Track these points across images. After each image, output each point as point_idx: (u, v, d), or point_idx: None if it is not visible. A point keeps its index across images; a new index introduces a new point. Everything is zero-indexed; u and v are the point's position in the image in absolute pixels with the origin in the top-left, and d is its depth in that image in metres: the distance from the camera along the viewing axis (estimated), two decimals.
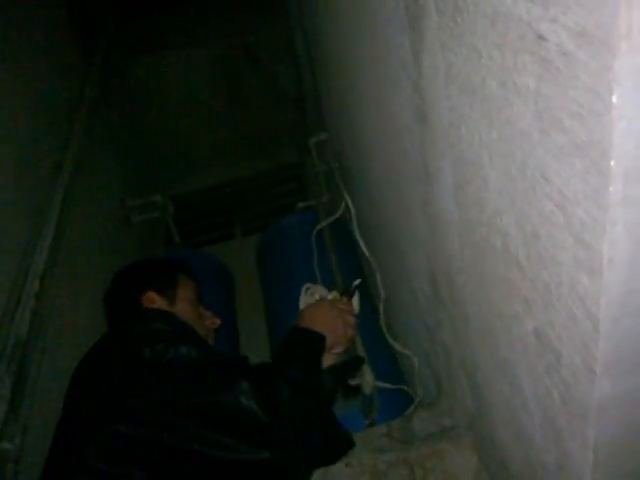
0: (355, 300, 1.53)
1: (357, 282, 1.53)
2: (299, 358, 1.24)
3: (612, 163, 0.48)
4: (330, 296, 1.53)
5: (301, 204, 2.61)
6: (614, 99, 0.45)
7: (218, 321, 1.49)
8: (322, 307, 1.40)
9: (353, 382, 1.53)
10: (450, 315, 1.17)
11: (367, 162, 1.63)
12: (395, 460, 1.26)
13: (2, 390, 1.18)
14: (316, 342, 1.29)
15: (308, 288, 1.66)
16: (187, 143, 3.46)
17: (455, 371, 1.25)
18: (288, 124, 3.56)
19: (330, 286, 1.68)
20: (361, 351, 1.53)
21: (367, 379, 1.48)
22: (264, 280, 2.25)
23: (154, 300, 1.37)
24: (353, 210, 1.80)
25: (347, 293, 1.55)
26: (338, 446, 1.25)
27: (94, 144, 2.30)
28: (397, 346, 1.57)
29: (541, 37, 0.52)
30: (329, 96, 2.26)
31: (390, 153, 1.31)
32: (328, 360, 1.35)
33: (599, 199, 0.51)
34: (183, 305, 1.39)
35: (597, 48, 0.45)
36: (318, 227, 1.94)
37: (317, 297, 1.60)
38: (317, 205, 2.32)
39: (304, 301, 1.62)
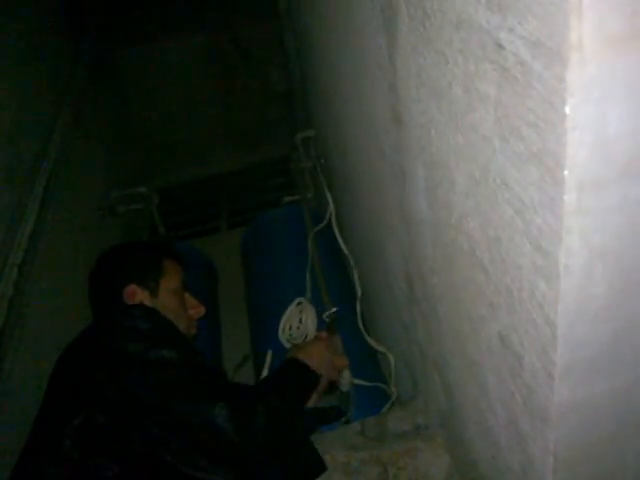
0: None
1: (334, 310, 1.55)
2: (288, 389, 1.24)
3: (565, 172, 0.49)
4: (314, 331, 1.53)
5: (286, 198, 2.61)
6: (567, 110, 0.46)
7: (202, 310, 1.46)
8: (320, 348, 1.39)
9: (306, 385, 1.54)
10: (424, 314, 1.17)
11: (349, 160, 1.63)
12: (368, 458, 1.27)
13: None
14: (310, 380, 1.30)
15: (300, 303, 1.68)
16: (174, 135, 3.45)
17: (429, 370, 1.25)
18: (277, 119, 3.55)
19: (318, 309, 1.69)
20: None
21: (344, 375, 1.48)
22: (247, 273, 2.25)
23: (135, 293, 1.34)
24: (332, 207, 1.81)
25: (331, 327, 1.55)
26: (310, 470, 1.24)
27: (80, 133, 2.28)
28: (373, 343, 1.57)
29: (500, 46, 0.52)
30: (315, 93, 2.26)
31: (370, 152, 1.32)
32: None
33: (554, 207, 0.52)
34: (166, 296, 1.37)
35: (550, 59, 0.46)
36: (315, 229, 1.94)
37: (302, 317, 1.63)
38: (302, 200, 2.32)
39: (290, 311, 1.64)
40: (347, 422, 1.49)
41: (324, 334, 1.49)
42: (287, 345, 1.65)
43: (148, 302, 1.33)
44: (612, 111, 0.46)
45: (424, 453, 1.26)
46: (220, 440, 1.04)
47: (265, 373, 1.51)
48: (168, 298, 1.37)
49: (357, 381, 1.52)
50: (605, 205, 0.50)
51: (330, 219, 1.81)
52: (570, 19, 0.42)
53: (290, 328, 1.67)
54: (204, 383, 1.13)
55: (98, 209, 2.36)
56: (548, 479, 0.71)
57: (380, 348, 1.54)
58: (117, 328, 1.19)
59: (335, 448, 1.28)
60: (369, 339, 1.57)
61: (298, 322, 1.67)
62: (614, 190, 0.50)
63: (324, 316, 1.57)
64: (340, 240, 1.72)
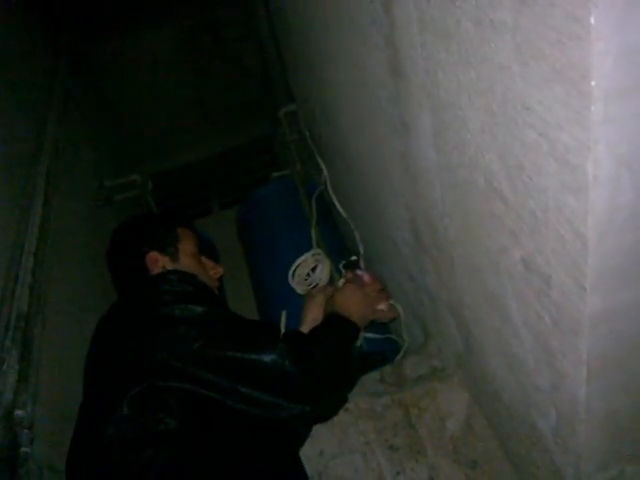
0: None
1: (354, 258, 1.55)
2: (333, 341, 1.25)
3: (592, 83, 0.49)
4: (341, 282, 1.51)
5: (275, 174, 2.61)
6: (592, 20, 0.46)
7: (221, 269, 1.48)
8: (353, 292, 1.40)
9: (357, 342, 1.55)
10: (434, 260, 1.19)
11: (340, 125, 1.63)
12: (390, 402, 1.29)
13: (11, 361, 1.18)
14: (351, 334, 1.30)
15: (317, 254, 1.68)
16: (157, 123, 3.41)
17: (442, 314, 1.27)
18: (255, 99, 3.53)
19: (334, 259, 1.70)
20: None
21: None
22: (247, 246, 2.25)
23: (157, 260, 1.35)
24: (326, 172, 1.81)
25: (351, 267, 1.56)
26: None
27: (71, 127, 2.26)
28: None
29: None
30: (296, 66, 2.24)
31: (364, 112, 1.32)
32: None
33: (582, 120, 0.53)
34: (187, 259, 1.38)
35: None
36: (315, 193, 1.94)
37: (318, 266, 1.65)
38: (293, 172, 2.32)
39: (304, 258, 1.67)
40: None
41: (350, 275, 1.50)
42: (298, 289, 1.67)
43: (170, 267, 1.34)
44: (635, 18, 0.47)
45: (443, 393, 1.28)
46: (282, 376, 1.08)
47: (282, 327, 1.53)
48: (188, 261, 1.37)
49: (368, 334, 1.54)
50: (630, 113, 0.51)
51: (325, 184, 1.81)
52: None
53: (300, 274, 1.69)
54: (261, 331, 1.17)
55: (94, 199, 2.34)
56: (581, 390, 0.73)
57: (389, 301, 1.55)
58: (158, 293, 1.20)
59: (358, 396, 1.30)
60: None
61: (310, 270, 1.68)
62: (638, 98, 0.51)
63: (341, 265, 1.57)
64: (337, 204, 1.72)
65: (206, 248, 2.38)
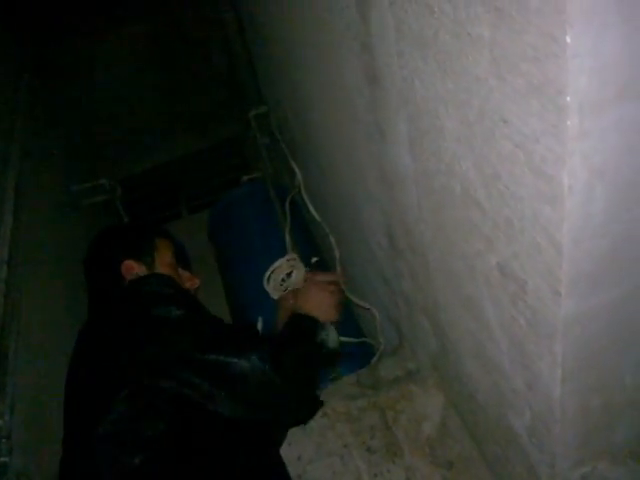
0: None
1: (316, 259, 1.59)
2: (300, 341, 1.31)
3: (568, 99, 0.52)
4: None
5: (245, 177, 2.62)
6: (568, 39, 0.49)
7: (198, 282, 1.49)
8: (315, 292, 1.46)
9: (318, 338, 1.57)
10: (409, 264, 1.21)
11: (313, 129, 1.64)
12: (367, 405, 1.31)
13: None
14: (312, 326, 1.36)
15: (292, 259, 1.71)
16: (123, 126, 3.38)
17: (417, 317, 1.30)
18: (223, 100, 3.52)
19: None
20: None
21: (331, 334, 1.52)
22: (220, 252, 2.25)
23: (132, 268, 1.35)
24: (300, 177, 1.82)
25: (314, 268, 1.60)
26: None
27: (38, 132, 2.24)
28: (356, 300, 1.61)
29: None
30: (267, 68, 2.25)
31: (339, 116, 1.34)
32: None
33: (557, 133, 0.55)
34: (163, 269, 1.38)
35: None
36: (288, 197, 1.96)
37: (293, 272, 1.67)
38: (263, 177, 2.33)
39: (280, 264, 1.68)
40: (336, 378, 1.53)
41: (310, 275, 1.55)
42: (273, 294, 1.69)
43: (139, 271, 1.35)
44: (609, 36, 0.49)
45: (419, 395, 1.31)
46: (264, 383, 1.12)
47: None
48: (165, 271, 1.38)
49: (343, 338, 1.56)
50: (603, 126, 0.54)
51: (299, 188, 1.82)
52: None
53: (275, 279, 1.70)
54: (241, 335, 1.21)
55: (61, 204, 2.32)
56: (556, 391, 0.76)
57: (363, 304, 1.58)
58: (138, 296, 1.21)
59: (334, 400, 1.32)
60: (352, 297, 1.61)
61: (285, 275, 1.70)
62: (611, 112, 0.53)
63: (312, 262, 1.61)
64: (311, 208, 1.74)
65: (181, 258, 2.38)
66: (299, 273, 1.70)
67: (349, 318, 1.72)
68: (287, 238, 1.84)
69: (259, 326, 1.54)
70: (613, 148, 0.56)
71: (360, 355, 1.58)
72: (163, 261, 1.40)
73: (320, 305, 1.41)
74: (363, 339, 1.63)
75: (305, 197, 1.79)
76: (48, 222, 2.09)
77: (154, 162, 3.45)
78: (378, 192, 1.23)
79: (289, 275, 1.70)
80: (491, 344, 0.91)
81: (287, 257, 1.72)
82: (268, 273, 1.68)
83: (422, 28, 0.74)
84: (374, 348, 1.57)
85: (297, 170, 1.85)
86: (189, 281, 1.45)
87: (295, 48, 1.55)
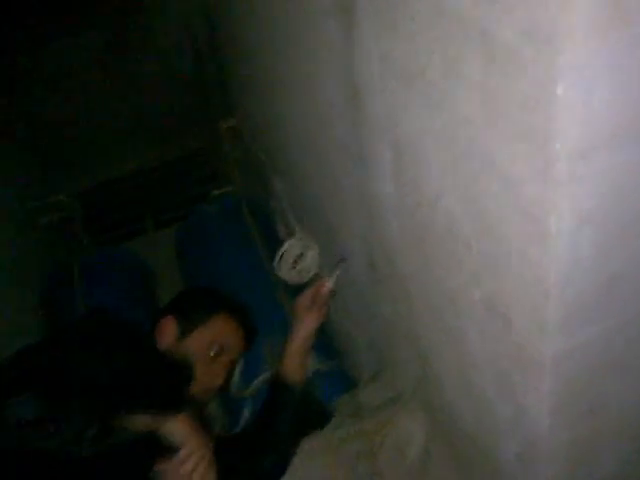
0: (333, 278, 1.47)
1: (341, 260, 1.46)
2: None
3: (557, 146, 0.55)
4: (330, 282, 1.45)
5: (215, 192, 2.61)
6: (559, 91, 0.52)
7: (220, 381, 1.41)
8: (309, 322, 1.44)
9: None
10: (390, 290, 1.23)
11: (291, 149, 1.66)
12: (348, 434, 1.33)
13: None
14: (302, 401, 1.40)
15: (302, 238, 1.62)
16: (84, 137, 3.34)
17: (398, 342, 1.32)
18: (188, 109, 3.51)
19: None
20: None
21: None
22: (188, 274, 2.24)
23: (168, 325, 1.38)
24: (281, 188, 1.83)
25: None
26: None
27: None
28: (337, 325, 1.62)
29: (486, 34, 0.58)
30: (239, 80, 2.26)
31: (318, 137, 1.35)
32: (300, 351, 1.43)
33: (545, 178, 0.58)
34: (192, 343, 1.37)
35: (541, 46, 0.51)
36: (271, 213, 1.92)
37: (306, 252, 1.61)
38: (235, 192, 2.33)
39: (289, 245, 1.60)
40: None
41: (307, 299, 1.47)
42: (287, 279, 1.62)
43: (172, 338, 1.37)
44: (598, 87, 0.52)
45: (401, 421, 1.33)
46: None
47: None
48: (193, 346, 1.37)
49: (319, 365, 1.57)
50: (592, 173, 0.57)
51: (280, 204, 1.82)
52: (562, 10, 0.48)
53: (286, 261, 1.61)
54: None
55: (18, 223, 2.29)
56: (544, 424, 0.79)
57: (347, 327, 1.60)
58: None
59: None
60: (335, 316, 1.62)
61: (297, 256, 1.61)
62: (600, 159, 0.56)
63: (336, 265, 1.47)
64: (295, 224, 1.74)
65: (141, 272, 2.36)
66: (313, 253, 1.62)
67: (329, 342, 1.73)
68: (281, 228, 1.81)
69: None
70: (601, 193, 0.59)
71: (340, 380, 1.60)
72: (203, 336, 1.39)
73: (313, 332, 1.43)
74: (339, 366, 1.64)
75: (288, 211, 1.79)
76: (4, 243, 2.06)
77: (116, 174, 3.42)
78: (358, 218, 1.25)
79: (301, 256, 1.62)
80: (476, 375, 0.93)
81: (298, 236, 1.62)
82: (279, 255, 1.59)
83: (408, 63, 0.77)
84: (355, 373, 1.59)
85: (277, 187, 1.84)
86: (218, 375, 1.40)
87: (276, 66, 1.56)
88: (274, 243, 1.97)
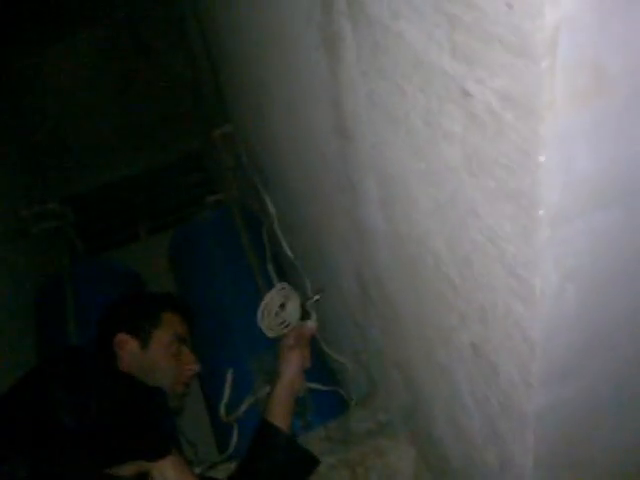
0: (313, 317, 1.54)
1: (317, 297, 1.54)
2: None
3: (541, 212, 0.55)
4: (312, 322, 1.52)
5: (210, 198, 2.60)
6: (541, 159, 0.51)
7: (195, 367, 1.47)
8: (294, 362, 1.44)
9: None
10: (381, 315, 1.23)
11: (283, 164, 1.65)
12: (336, 462, 1.33)
13: None
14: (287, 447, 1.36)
15: (283, 288, 1.67)
16: (81, 140, 3.35)
17: (388, 368, 1.32)
18: (185, 113, 3.51)
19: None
20: None
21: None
22: (182, 286, 2.24)
23: (126, 342, 1.38)
24: (274, 211, 1.83)
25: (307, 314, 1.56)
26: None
27: None
28: (331, 352, 1.62)
29: (467, 93, 0.57)
30: (234, 88, 2.26)
31: (310, 159, 1.35)
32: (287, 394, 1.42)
33: (529, 239, 0.58)
34: (156, 348, 1.40)
35: (523, 112, 0.51)
36: (264, 228, 1.94)
37: (286, 303, 1.64)
38: (228, 202, 2.33)
39: (271, 296, 1.64)
40: (307, 427, 1.54)
41: (292, 339, 1.49)
42: (269, 333, 1.65)
43: (136, 352, 1.38)
44: (579, 155, 0.52)
45: (390, 450, 1.33)
46: None
47: (225, 396, 1.54)
48: (158, 350, 1.40)
49: (312, 385, 1.57)
50: (575, 234, 0.57)
51: (272, 222, 1.82)
52: (544, 79, 0.47)
53: (269, 313, 1.65)
54: None
55: (10, 231, 2.29)
56: (529, 473, 0.79)
57: (338, 357, 1.60)
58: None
59: None
60: (327, 349, 1.63)
61: (278, 308, 1.66)
62: (582, 221, 0.56)
63: (307, 303, 1.55)
64: (285, 246, 1.74)
65: (131, 281, 2.36)
66: (294, 303, 1.67)
67: (320, 365, 1.73)
68: (269, 268, 1.83)
69: (228, 380, 1.54)
70: (584, 253, 0.59)
71: (331, 403, 1.60)
72: (161, 338, 1.41)
73: (300, 373, 1.43)
74: (333, 387, 1.63)
75: (279, 233, 1.79)
76: None
77: (109, 179, 3.42)
78: (350, 241, 1.25)
79: (282, 307, 1.66)
80: (464, 415, 0.93)
81: (277, 287, 1.69)
82: (262, 307, 1.64)
83: (393, 105, 0.76)
84: (346, 397, 1.59)
85: (269, 203, 1.84)
86: (188, 365, 1.45)
87: (265, 82, 1.55)
88: (269, 259, 1.98)
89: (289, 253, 1.72)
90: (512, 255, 0.62)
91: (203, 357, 1.85)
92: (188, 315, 1.54)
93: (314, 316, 1.50)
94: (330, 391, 1.61)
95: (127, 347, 1.39)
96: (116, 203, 3.37)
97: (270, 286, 1.80)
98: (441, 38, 0.59)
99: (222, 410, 1.52)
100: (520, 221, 0.58)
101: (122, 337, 1.39)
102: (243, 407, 1.52)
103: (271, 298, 1.67)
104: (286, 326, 1.65)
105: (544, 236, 0.56)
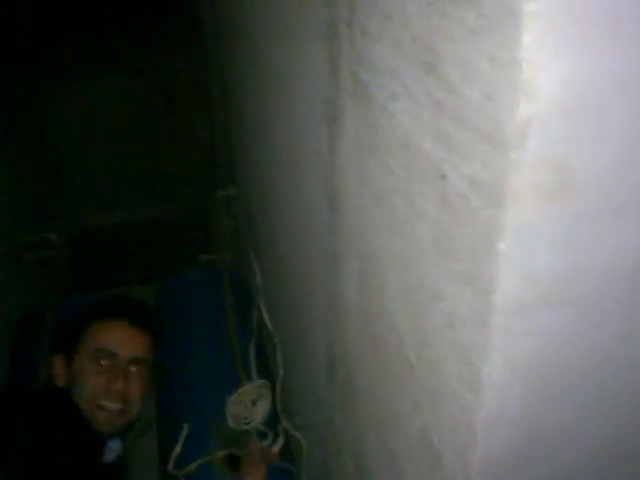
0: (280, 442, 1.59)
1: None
2: None
3: (496, 298, 0.56)
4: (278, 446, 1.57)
5: (203, 257, 2.62)
6: (501, 246, 0.53)
7: (116, 387, 1.31)
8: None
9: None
10: (343, 398, 1.23)
11: (278, 233, 1.68)
12: None
13: None
14: None
15: (263, 386, 1.68)
16: (89, 178, 3.41)
17: (342, 452, 1.30)
18: (197, 170, 3.58)
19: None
20: None
21: None
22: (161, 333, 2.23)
23: (55, 361, 1.36)
24: (260, 280, 1.84)
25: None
26: None
27: None
28: (289, 428, 1.60)
29: (443, 176, 0.60)
30: (242, 152, 2.32)
31: (299, 228, 1.38)
32: None
33: (482, 327, 0.59)
34: (77, 364, 1.35)
35: (490, 201, 0.53)
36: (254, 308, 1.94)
37: (259, 401, 1.64)
38: (223, 260, 2.35)
39: (249, 388, 1.64)
40: None
41: (254, 456, 1.51)
42: (229, 421, 1.63)
43: (61, 371, 1.35)
44: (539, 250, 0.54)
45: None
46: None
47: (177, 450, 1.51)
48: (78, 367, 1.35)
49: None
50: (525, 329, 0.58)
51: (258, 292, 1.82)
52: (512, 170, 0.50)
53: (238, 405, 1.63)
54: None
55: (4, 255, 2.31)
56: None
57: (294, 433, 1.58)
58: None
59: None
60: (286, 424, 1.61)
61: (249, 403, 1.63)
62: (533, 315, 0.58)
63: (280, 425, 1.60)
64: (267, 318, 1.74)
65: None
66: (264, 406, 1.65)
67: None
68: (251, 358, 1.81)
69: (184, 433, 1.52)
70: (531, 350, 0.60)
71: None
72: (83, 356, 1.35)
73: None
74: (286, 465, 1.60)
75: (262, 307, 1.79)
76: None
77: (109, 222, 3.45)
78: (325, 315, 1.26)
79: (254, 403, 1.65)
80: None
81: (259, 382, 1.67)
82: (235, 395, 1.62)
83: (381, 183, 0.80)
84: (295, 474, 1.56)
85: (258, 272, 1.86)
86: (109, 383, 1.32)
87: (267, 149, 1.60)
88: (248, 324, 1.98)
89: (269, 326, 1.72)
90: (466, 342, 0.63)
91: (166, 406, 1.83)
92: (132, 318, 1.41)
93: (281, 441, 1.55)
94: (284, 467, 1.58)
95: (55, 367, 1.35)
96: (111, 246, 3.40)
97: (247, 361, 1.79)
98: (428, 122, 0.62)
99: (171, 463, 1.49)
100: (476, 306, 0.59)
101: (55, 358, 1.36)
102: (194, 465, 1.49)
103: (250, 389, 1.65)
104: (248, 423, 1.63)
105: (496, 323, 0.57)
